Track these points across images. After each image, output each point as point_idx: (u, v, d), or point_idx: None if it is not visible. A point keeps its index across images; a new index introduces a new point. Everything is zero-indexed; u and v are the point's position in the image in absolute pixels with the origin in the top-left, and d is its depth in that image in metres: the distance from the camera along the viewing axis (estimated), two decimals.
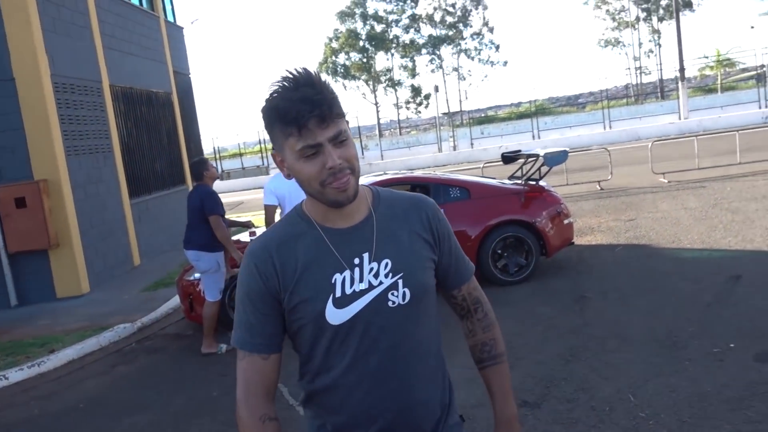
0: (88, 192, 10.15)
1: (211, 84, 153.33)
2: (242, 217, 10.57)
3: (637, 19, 63.28)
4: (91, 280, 9.61)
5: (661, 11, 60.19)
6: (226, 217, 6.59)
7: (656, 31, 62.66)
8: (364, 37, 62.20)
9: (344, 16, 62.77)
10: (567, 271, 7.33)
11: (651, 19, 62.63)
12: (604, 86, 50.20)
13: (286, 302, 1.47)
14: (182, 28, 17.02)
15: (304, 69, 1.43)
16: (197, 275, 6.47)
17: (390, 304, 1.49)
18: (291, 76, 1.42)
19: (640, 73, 65.31)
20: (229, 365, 5.67)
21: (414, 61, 62.02)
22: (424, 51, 61.78)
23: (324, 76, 1.45)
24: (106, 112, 11.24)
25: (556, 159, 8.07)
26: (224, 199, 7.08)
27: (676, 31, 31.78)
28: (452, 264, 1.65)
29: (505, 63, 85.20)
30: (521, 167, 8.88)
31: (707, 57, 58.65)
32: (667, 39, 62.16)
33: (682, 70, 31.40)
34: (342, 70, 62.64)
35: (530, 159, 8.66)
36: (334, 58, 62.61)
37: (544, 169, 8.27)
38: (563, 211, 7.46)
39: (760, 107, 31.00)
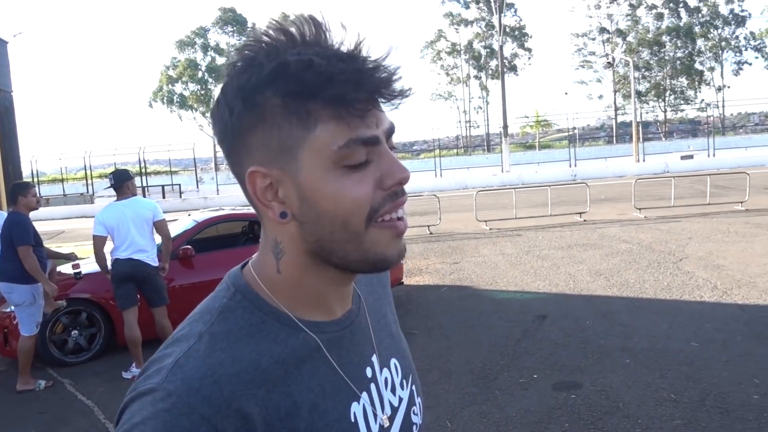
0: None
1: (32, 102, 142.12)
2: (63, 248, 9.98)
3: (468, 76, 68.27)
4: None
5: (491, 71, 65.52)
6: (47, 246, 6.24)
7: (485, 88, 68.05)
8: (203, 68, 61.25)
9: (183, 45, 61.59)
10: (396, 309, 7.69)
11: (481, 77, 67.90)
12: (436, 136, 53.29)
13: None
14: (6, 43, 15.82)
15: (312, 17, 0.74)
16: (13, 307, 6.06)
17: (414, 429, 0.95)
18: (306, 21, 0.73)
19: (470, 126, 70.30)
20: (48, 402, 5.37)
21: None
22: None
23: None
24: None
25: None
26: (44, 227, 6.67)
27: (501, 91, 34.76)
28: None
29: None
30: None
31: (528, 117, 64.65)
32: (495, 97, 67.46)
33: (505, 127, 34.31)
34: (179, 100, 61.03)
35: None
36: (170, 86, 60.97)
37: None
38: None
39: (570, 165, 34.52)
